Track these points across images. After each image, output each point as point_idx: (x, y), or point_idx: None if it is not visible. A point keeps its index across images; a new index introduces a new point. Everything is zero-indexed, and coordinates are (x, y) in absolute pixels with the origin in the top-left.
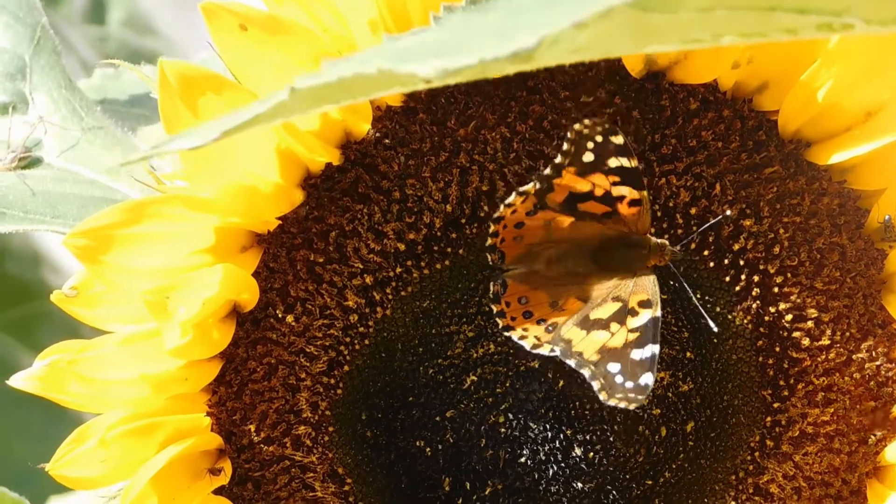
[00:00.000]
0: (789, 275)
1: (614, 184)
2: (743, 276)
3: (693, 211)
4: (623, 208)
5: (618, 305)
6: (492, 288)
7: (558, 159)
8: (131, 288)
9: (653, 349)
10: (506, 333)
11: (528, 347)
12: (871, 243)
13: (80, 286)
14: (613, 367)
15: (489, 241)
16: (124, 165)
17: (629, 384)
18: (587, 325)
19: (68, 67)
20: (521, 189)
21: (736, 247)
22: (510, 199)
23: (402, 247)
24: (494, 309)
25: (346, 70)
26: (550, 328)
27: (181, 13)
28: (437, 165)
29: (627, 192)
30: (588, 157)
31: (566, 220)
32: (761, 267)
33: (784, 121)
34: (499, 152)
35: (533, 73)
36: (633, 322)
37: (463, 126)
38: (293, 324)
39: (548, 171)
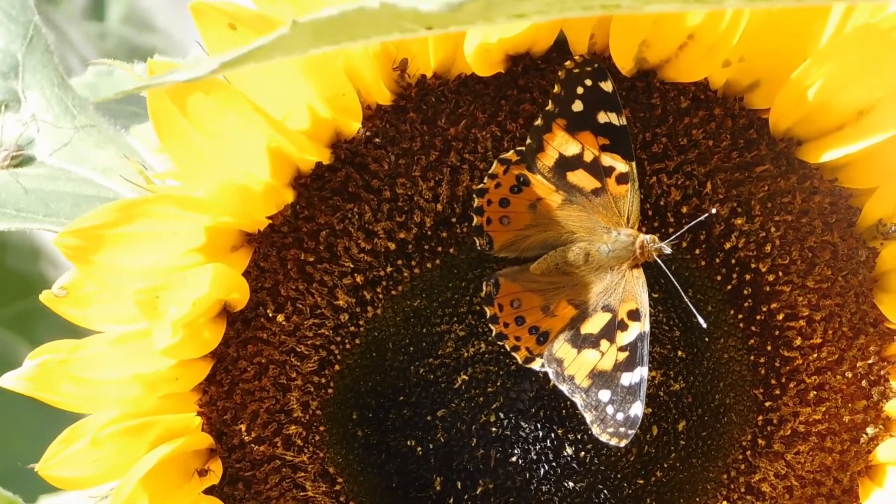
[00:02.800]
0: (781, 273)
1: (603, 147)
2: (734, 275)
3: (684, 209)
4: (612, 184)
5: (608, 317)
6: (484, 288)
7: (549, 106)
8: (122, 288)
9: (641, 372)
10: (499, 342)
11: (520, 360)
12: (863, 241)
13: (70, 286)
14: (604, 394)
15: (475, 221)
16: (121, 160)
17: (620, 416)
18: (577, 341)
19: (67, 65)
20: (503, 156)
21: (727, 245)
22: (492, 169)
23: (392, 246)
24: (488, 313)
25: (348, 5)
26: (542, 338)
27: (180, 10)
28: (428, 164)
29: (616, 162)
30: (577, 105)
31: (553, 204)
32: (753, 265)
33: (775, 119)
34: (489, 151)
35: (523, 72)
36: (622, 338)
37: (453, 125)
38: (284, 323)
39: (538, 121)
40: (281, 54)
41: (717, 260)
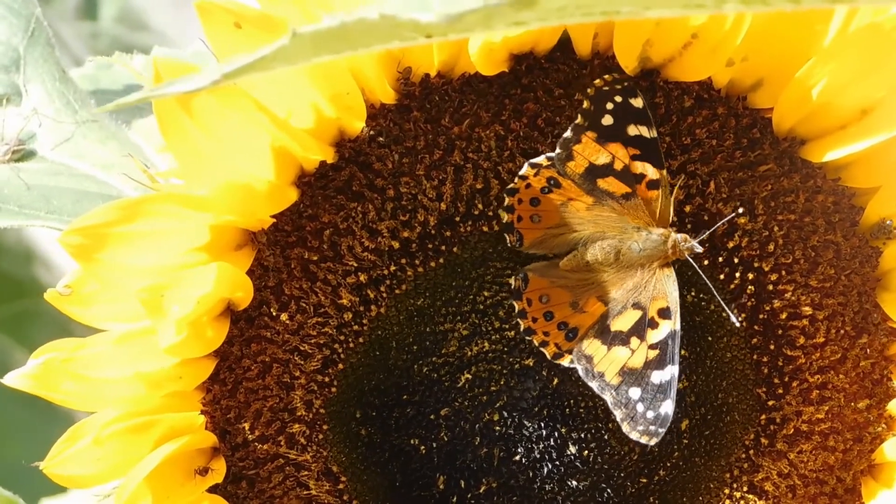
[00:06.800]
0: (784, 272)
1: (633, 157)
2: (737, 274)
3: (687, 209)
4: (642, 190)
5: (638, 314)
6: (513, 283)
7: (578, 120)
8: (126, 286)
9: (672, 371)
10: (527, 338)
11: (548, 356)
12: (866, 241)
13: (75, 284)
14: (634, 392)
15: (505, 218)
16: (123, 157)
17: (650, 413)
18: (607, 338)
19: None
20: (534, 161)
21: (730, 245)
22: (523, 171)
23: (396, 245)
24: (516, 307)
25: (348, 17)
26: (571, 334)
27: (174, 9)
28: (432, 163)
29: (647, 170)
30: (607, 119)
31: (584, 205)
32: (756, 265)
33: (778, 118)
34: (493, 150)
35: (527, 71)
36: (652, 336)
37: (457, 124)
38: (287, 322)
39: (568, 133)
40: (282, 64)
41: (721, 259)
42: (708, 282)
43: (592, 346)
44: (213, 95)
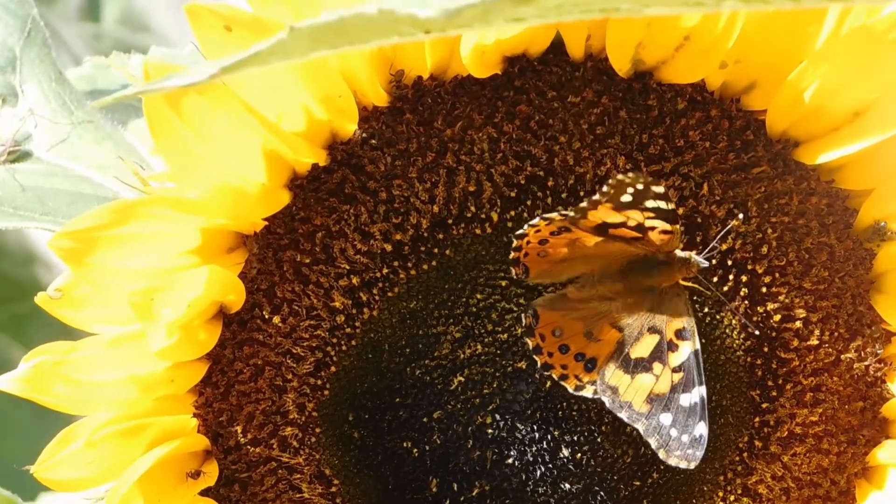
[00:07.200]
0: (777, 275)
1: (648, 219)
2: (731, 277)
3: (681, 211)
4: (654, 235)
5: (655, 339)
6: (524, 320)
7: (596, 196)
8: (117, 289)
9: (700, 392)
10: (545, 373)
11: (570, 389)
12: (860, 243)
13: (66, 288)
14: (665, 418)
15: (512, 255)
16: (119, 156)
17: (685, 438)
18: (629, 366)
19: (62, 65)
20: (546, 216)
21: (724, 247)
22: (535, 221)
23: (388, 247)
24: (530, 344)
25: (346, 12)
26: (590, 365)
27: (176, 11)
28: (424, 166)
29: (660, 224)
30: (626, 198)
31: (592, 241)
32: (749, 267)
33: (772, 121)
34: (486, 153)
35: (520, 73)
36: (674, 359)
37: (450, 126)
38: (280, 325)
39: (584, 203)
40: (279, 59)
41: (714, 261)
42: (713, 288)
43: (615, 377)
44: (203, 96)
